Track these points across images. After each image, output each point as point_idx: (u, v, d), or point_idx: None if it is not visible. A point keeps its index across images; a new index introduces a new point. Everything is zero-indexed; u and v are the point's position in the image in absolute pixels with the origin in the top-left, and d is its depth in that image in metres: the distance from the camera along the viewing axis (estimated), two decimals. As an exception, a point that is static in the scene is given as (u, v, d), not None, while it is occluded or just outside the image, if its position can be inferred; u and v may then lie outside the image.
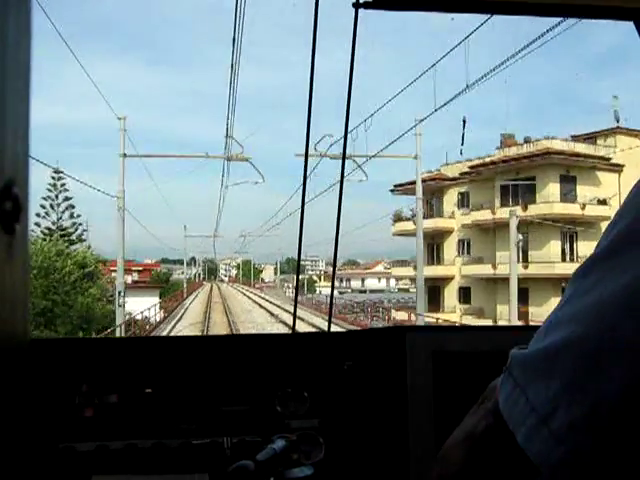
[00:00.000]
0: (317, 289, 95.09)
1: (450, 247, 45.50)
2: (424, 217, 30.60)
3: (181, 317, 40.44)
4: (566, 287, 0.66)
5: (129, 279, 65.90)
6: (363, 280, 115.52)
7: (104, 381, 1.52)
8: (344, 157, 2.23)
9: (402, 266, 56.08)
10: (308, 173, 2.40)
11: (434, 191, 44.76)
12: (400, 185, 45.86)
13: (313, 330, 20.42)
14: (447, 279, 45.40)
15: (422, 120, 24.14)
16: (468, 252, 44.22)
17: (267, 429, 1.51)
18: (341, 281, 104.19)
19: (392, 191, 48.70)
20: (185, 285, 72.15)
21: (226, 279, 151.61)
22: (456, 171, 43.26)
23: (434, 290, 45.30)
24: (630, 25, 1.53)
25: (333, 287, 2.44)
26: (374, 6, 1.57)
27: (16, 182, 0.36)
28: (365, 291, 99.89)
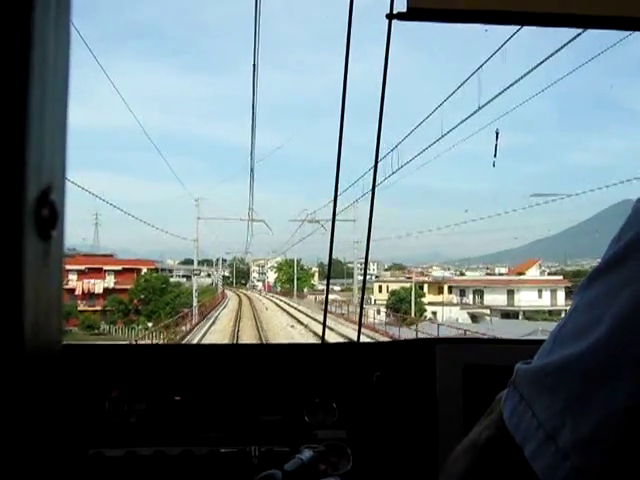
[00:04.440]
0: (372, 300, 63.29)
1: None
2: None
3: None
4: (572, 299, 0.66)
5: (96, 287, 53.06)
6: (511, 293, 58.53)
7: (134, 388, 1.53)
8: (376, 164, 2.22)
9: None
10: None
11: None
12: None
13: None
14: None
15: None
16: None
17: (295, 439, 1.50)
18: (461, 294, 63.24)
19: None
20: (195, 300, 45.67)
21: (259, 285, 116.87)
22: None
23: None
24: None
25: (363, 295, 2.43)
26: (407, 17, 1.57)
27: (53, 189, 0.37)
28: (516, 314, 54.11)
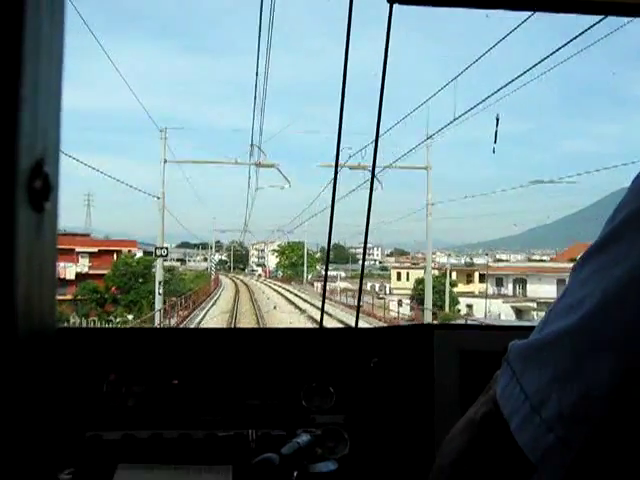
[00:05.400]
0: (387, 288, 57.59)
1: None
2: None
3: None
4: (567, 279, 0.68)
5: (67, 271, 41.62)
6: (562, 283, 19.53)
7: (132, 371, 1.53)
8: (375, 151, 2.21)
9: None
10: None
11: None
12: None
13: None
14: None
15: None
16: None
17: (292, 423, 1.51)
18: (498, 285, 53.64)
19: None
20: (158, 292, 29.69)
21: (259, 270, 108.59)
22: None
23: None
24: None
25: (361, 281, 2.44)
26: (409, 1, 1.56)
27: (47, 160, 0.37)
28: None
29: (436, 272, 46.86)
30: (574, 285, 0.65)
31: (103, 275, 43.23)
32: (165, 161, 27.29)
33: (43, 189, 0.36)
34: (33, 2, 0.35)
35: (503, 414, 0.65)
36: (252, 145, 28.00)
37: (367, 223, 2.22)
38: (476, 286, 54.57)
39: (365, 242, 2.21)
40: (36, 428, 0.37)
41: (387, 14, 1.81)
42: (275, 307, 37.00)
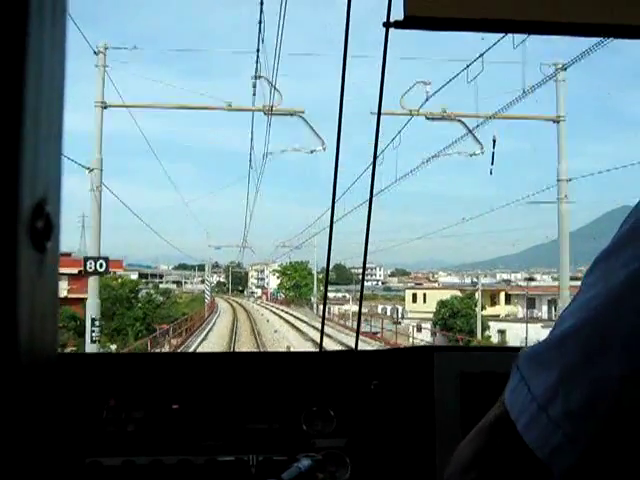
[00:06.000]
0: (398, 311, 51.33)
1: None
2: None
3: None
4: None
5: None
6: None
7: (131, 396, 1.53)
8: (374, 171, 2.22)
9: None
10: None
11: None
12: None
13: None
14: None
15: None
16: None
17: (293, 448, 1.50)
18: (530, 306, 47.46)
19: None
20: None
21: (258, 292, 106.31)
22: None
23: None
24: None
25: (361, 302, 2.43)
26: (405, 26, 1.57)
27: (48, 200, 0.37)
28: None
29: (458, 293, 43.47)
30: (585, 288, 0.66)
31: (84, 300, 33.40)
32: (105, 106, 18.14)
33: (45, 229, 0.37)
34: (35, 37, 0.35)
35: (511, 416, 0.66)
36: (257, 76, 18.03)
37: (366, 242, 2.23)
38: (502, 308, 49.39)
39: (364, 262, 2.21)
40: (37, 454, 0.37)
41: (383, 37, 1.84)
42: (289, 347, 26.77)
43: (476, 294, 40.34)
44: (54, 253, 0.39)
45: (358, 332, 2.26)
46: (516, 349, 1.68)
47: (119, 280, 39.08)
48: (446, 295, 42.89)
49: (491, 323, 39.54)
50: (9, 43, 0.34)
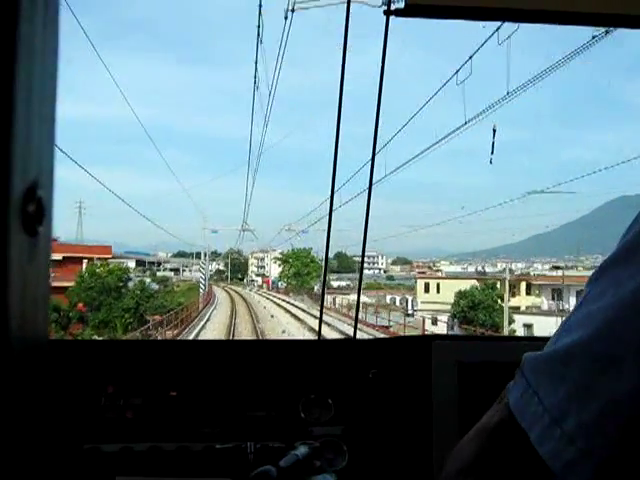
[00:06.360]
0: (408, 302, 49.24)
1: None
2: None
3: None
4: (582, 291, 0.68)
5: None
6: None
7: (130, 383, 1.53)
8: (373, 159, 2.22)
9: None
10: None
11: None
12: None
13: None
14: None
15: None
16: None
17: (290, 435, 1.51)
18: (557, 298, 43.72)
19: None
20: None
21: (259, 280, 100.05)
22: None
23: None
24: None
25: (360, 292, 2.44)
26: (405, 14, 1.57)
27: (40, 184, 0.37)
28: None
29: (476, 283, 40.17)
30: (592, 297, 0.64)
31: (68, 288, 33.94)
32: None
33: (37, 213, 0.36)
34: (26, 20, 0.35)
35: (520, 424, 0.65)
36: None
37: (365, 231, 2.23)
38: (523, 299, 45.70)
39: (363, 250, 2.21)
40: (33, 440, 0.38)
41: (384, 26, 1.84)
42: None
43: (498, 283, 37.59)
44: (46, 238, 0.38)
45: (357, 320, 2.26)
46: (514, 339, 1.69)
47: (105, 268, 36.39)
48: (462, 285, 39.58)
49: (516, 316, 36.16)
50: (0, 26, 0.33)
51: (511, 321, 34.21)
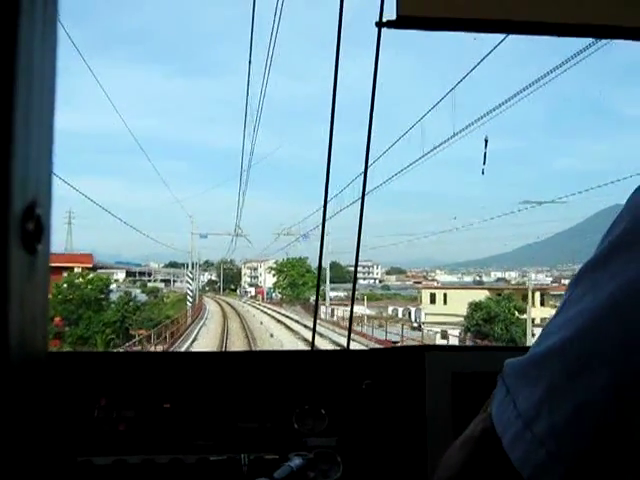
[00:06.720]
0: (412, 313, 47.00)
1: None
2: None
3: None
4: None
5: None
6: None
7: (122, 395, 1.52)
8: (366, 169, 2.22)
9: None
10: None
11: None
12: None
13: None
14: None
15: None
16: None
17: (284, 446, 1.50)
18: None
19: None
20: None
21: (252, 291, 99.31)
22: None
23: None
24: None
25: (353, 301, 2.44)
26: (397, 25, 1.58)
27: (39, 203, 0.37)
28: None
29: (486, 293, 38.30)
30: (570, 301, 0.65)
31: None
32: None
33: (35, 231, 0.37)
34: (26, 41, 0.35)
35: (497, 431, 0.65)
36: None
37: (358, 241, 2.23)
38: (538, 310, 41.25)
39: (356, 260, 2.22)
40: (28, 453, 0.38)
41: (376, 37, 1.85)
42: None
43: (516, 295, 34.22)
44: (45, 255, 0.39)
45: (350, 330, 2.26)
46: (508, 349, 1.69)
47: (85, 278, 33.36)
48: (471, 296, 37.48)
49: (535, 330, 31.84)
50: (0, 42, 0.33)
51: (533, 334, 30.81)
